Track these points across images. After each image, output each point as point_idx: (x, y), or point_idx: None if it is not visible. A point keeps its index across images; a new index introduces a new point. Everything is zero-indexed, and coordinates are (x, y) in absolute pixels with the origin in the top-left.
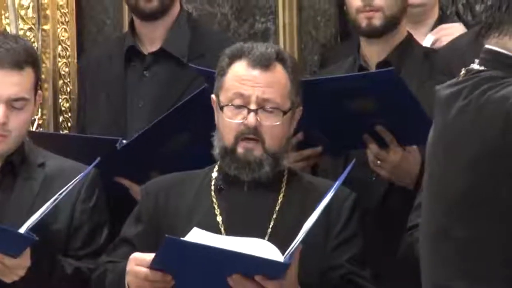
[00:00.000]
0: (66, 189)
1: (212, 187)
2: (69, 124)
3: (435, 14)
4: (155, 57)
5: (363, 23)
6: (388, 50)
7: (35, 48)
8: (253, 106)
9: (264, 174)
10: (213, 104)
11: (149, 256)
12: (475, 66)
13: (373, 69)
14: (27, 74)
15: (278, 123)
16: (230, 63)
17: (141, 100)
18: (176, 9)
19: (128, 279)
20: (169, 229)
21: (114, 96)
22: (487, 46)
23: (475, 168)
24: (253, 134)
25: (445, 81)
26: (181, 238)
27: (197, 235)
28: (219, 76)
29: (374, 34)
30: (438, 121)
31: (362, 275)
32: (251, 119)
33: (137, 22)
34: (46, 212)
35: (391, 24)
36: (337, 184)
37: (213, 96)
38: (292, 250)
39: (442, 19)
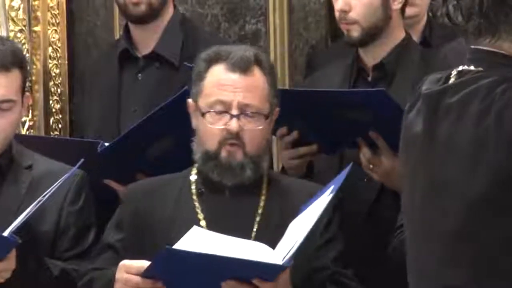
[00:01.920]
0: (49, 191)
1: (193, 191)
2: (59, 126)
3: (424, 19)
4: (148, 60)
5: (344, 33)
6: (384, 52)
7: (26, 49)
8: (235, 112)
9: (247, 179)
10: (190, 109)
11: (139, 263)
12: (464, 67)
13: (369, 71)
14: (14, 76)
15: (260, 127)
16: (207, 68)
17: (135, 103)
18: (169, 12)
19: (117, 286)
20: (152, 234)
21: (108, 99)
22: (479, 47)
23: (501, 170)
24: (235, 139)
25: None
26: (184, 249)
27: (196, 234)
28: (197, 81)
29: (355, 44)
30: (440, 127)
31: (347, 275)
32: (234, 124)
33: (130, 25)
34: (30, 214)
35: (372, 34)
36: (334, 187)
37: (190, 100)
38: (291, 252)
39: (431, 23)
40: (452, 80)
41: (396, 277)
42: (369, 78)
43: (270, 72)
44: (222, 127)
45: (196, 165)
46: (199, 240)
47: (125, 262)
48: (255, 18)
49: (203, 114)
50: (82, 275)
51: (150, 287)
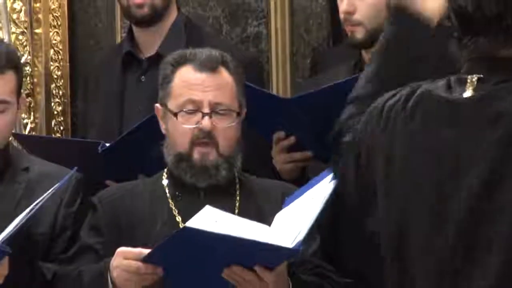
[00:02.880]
0: (42, 199)
1: (168, 195)
2: (61, 128)
3: None
4: (151, 62)
5: (348, 35)
6: None
7: (27, 52)
8: (206, 110)
9: (221, 179)
10: (157, 113)
11: (137, 249)
12: (480, 75)
13: None
14: (8, 78)
15: (232, 124)
16: (174, 70)
17: (139, 105)
18: (172, 14)
19: (115, 273)
20: (132, 238)
21: (111, 101)
22: (495, 55)
23: None
24: (207, 137)
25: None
26: (201, 229)
27: (210, 213)
28: (165, 84)
29: (358, 46)
30: (492, 133)
31: (329, 268)
32: (206, 122)
33: (134, 27)
34: (22, 223)
35: (376, 36)
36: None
37: (157, 105)
38: (300, 238)
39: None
40: (471, 88)
41: None
42: None
43: (236, 72)
44: (194, 126)
45: (166, 170)
46: (210, 219)
47: (123, 249)
48: (256, 20)
49: (175, 115)
50: (66, 274)
51: (151, 271)
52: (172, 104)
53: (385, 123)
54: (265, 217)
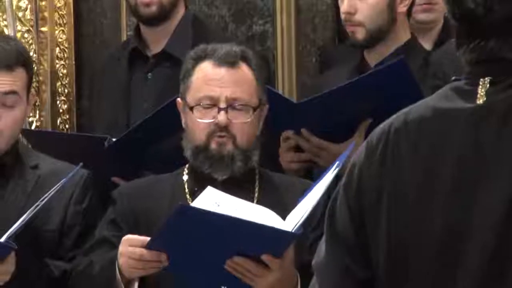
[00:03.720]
0: (48, 195)
1: (187, 190)
2: (67, 126)
3: (440, 22)
4: (158, 59)
5: (349, 35)
6: (387, 53)
7: (33, 50)
8: (223, 105)
9: (237, 170)
10: (179, 107)
11: (142, 237)
12: (490, 77)
13: None
14: (18, 74)
15: (248, 120)
16: (195, 65)
17: (145, 102)
18: (180, 12)
19: (121, 261)
20: (150, 232)
21: (117, 99)
22: (501, 56)
23: None
24: (224, 131)
25: (436, 85)
26: (197, 207)
27: (210, 194)
28: (185, 79)
29: (359, 46)
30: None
31: None
32: (222, 117)
33: (141, 25)
34: (28, 219)
35: (376, 36)
36: (338, 162)
37: (178, 99)
38: (300, 222)
39: (447, 27)
40: (483, 91)
41: None
42: None
43: (257, 68)
44: (211, 120)
45: (187, 165)
46: (213, 201)
47: (129, 236)
48: (262, 19)
49: (191, 108)
50: (79, 264)
51: (155, 259)
52: (190, 98)
53: (382, 153)
54: (285, 212)
